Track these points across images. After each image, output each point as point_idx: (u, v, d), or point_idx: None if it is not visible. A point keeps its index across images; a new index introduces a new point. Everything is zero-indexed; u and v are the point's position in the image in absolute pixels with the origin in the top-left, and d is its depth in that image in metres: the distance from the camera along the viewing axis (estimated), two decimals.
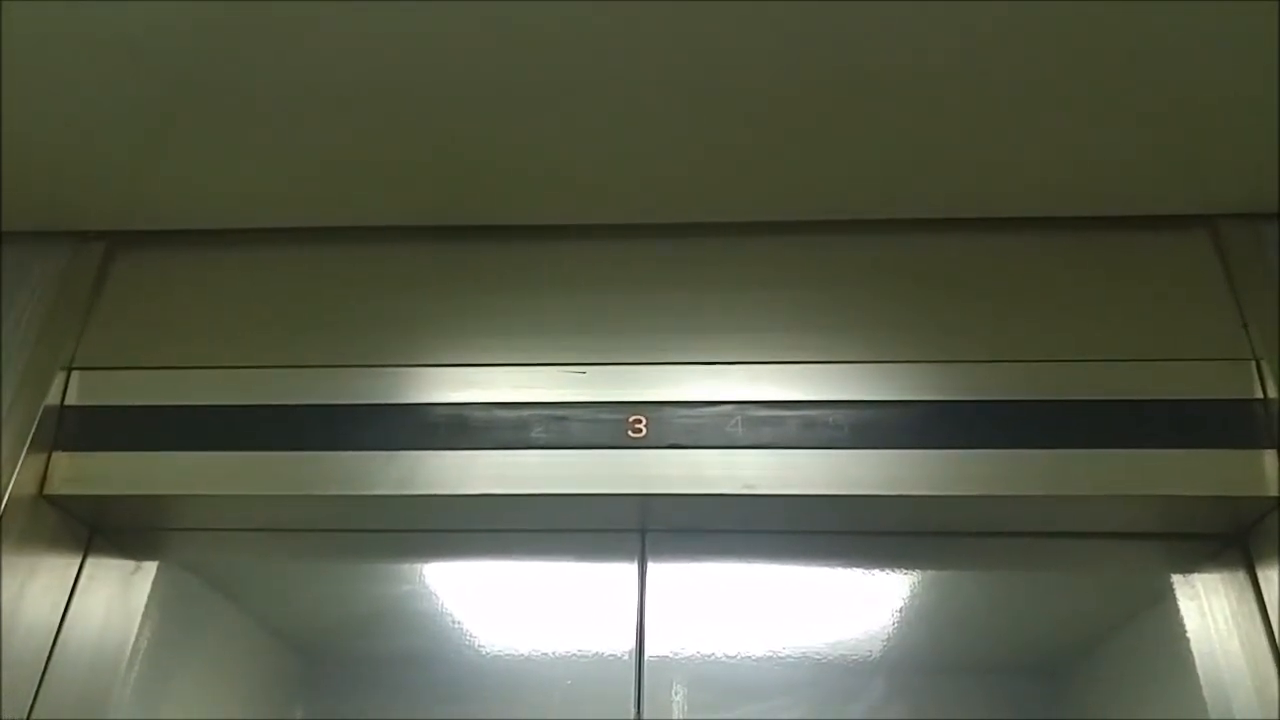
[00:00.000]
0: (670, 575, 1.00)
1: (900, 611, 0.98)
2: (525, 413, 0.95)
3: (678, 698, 0.94)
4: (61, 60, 0.84)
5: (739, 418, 0.93)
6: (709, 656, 0.96)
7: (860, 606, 0.99)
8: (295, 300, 1.04)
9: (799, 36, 0.80)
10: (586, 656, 0.97)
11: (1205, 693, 0.91)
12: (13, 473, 0.92)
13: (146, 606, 1.02)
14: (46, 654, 0.94)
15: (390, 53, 0.83)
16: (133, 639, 1.01)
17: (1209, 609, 0.94)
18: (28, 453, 0.94)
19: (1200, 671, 0.92)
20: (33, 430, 0.95)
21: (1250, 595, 0.92)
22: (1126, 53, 0.81)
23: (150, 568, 1.04)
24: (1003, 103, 0.87)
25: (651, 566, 1.00)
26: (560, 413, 0.94)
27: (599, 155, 0.95)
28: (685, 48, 0.82)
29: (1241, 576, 0.93)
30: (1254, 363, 0.93)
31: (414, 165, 0.97)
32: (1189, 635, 0.94)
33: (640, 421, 0.94)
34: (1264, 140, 0.90)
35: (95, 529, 1.01)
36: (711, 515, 0.97)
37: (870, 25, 0.79)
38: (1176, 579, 0.97)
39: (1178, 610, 0.95)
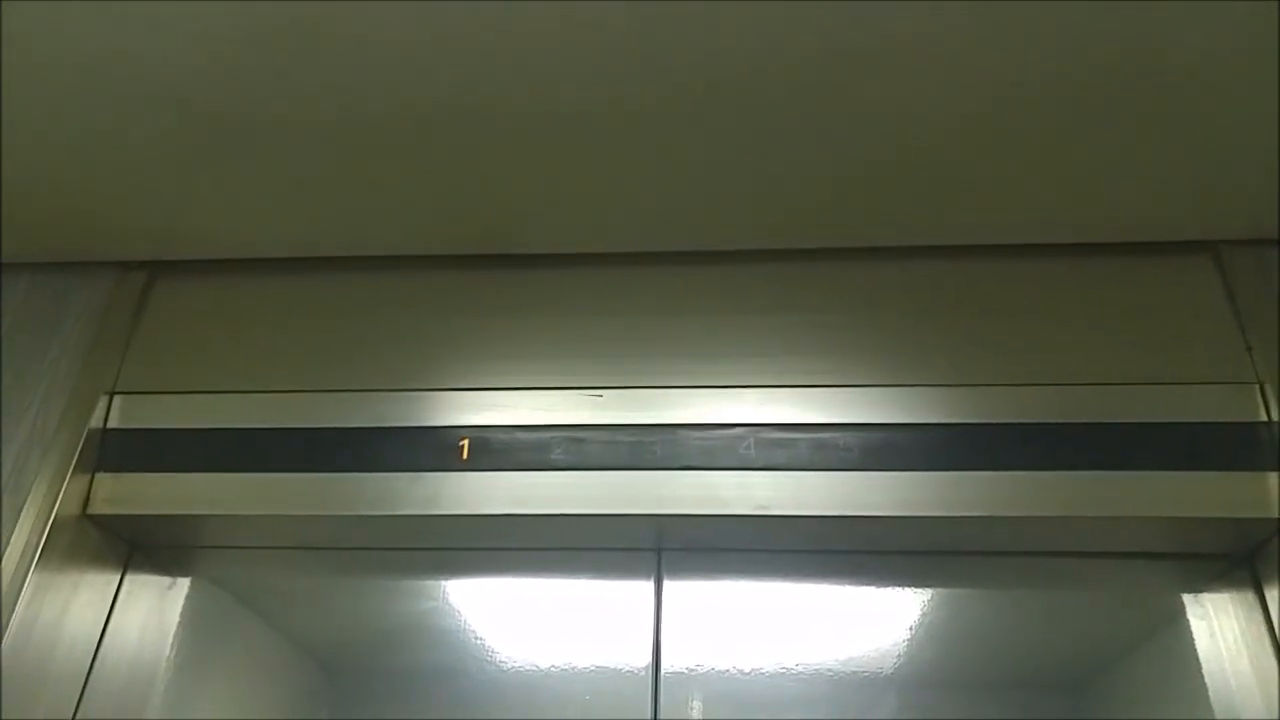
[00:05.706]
0: (686, 593, 1.02)
1: (912, 629, 1.00)
2: (545, 435, 0.98)
3: (693, 713, 0.96)
4: (104, 97, 0.87)
5: (751, 440, 0.95)
6: (724, 672, 0.98)
7: (873, 624, 1.00)
8: (325, 327, 1.07)
9: (810, 68, 0.82)
10: (604, 672, 0.99)
11: (1215, 711, 0.91)
12: (58, 493, 0.96)
13: (180, 621, 1.06)
14: (88, 668, 0.97)
15: (422, 88, 0.85)
16: (167, 653, 1.04)
17: (1218, 628, 0.95)
18: (72, 474, 0.97)
19: (1210, 690, 0.93)
20: (77, 452, 0.98)
21: (1259, 615, 0.92)
22: (1132, 81, 0.83)
23: (184, 584, 1.08)
24: (1010, 132, 0.89)
25: (667, 584, 1.02)
26: (578, 435, 0.97)
27: (616, 185, 0.97)
28: (697, 78, 0.84)
29: (1250, 596, 0.94)
30: (1258, 386, 0.94)
31: (442, 197, 1.00)
32: (1199, 654, 0.95)
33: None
34: (1266, 167, 0.91)
35: (135, 546, 1.05)
36: (725, 535, 0.99)
37: (877, 60, 0.82)
38: (1186, 599, 0.97)
39: (1188, 630, 0.96)
